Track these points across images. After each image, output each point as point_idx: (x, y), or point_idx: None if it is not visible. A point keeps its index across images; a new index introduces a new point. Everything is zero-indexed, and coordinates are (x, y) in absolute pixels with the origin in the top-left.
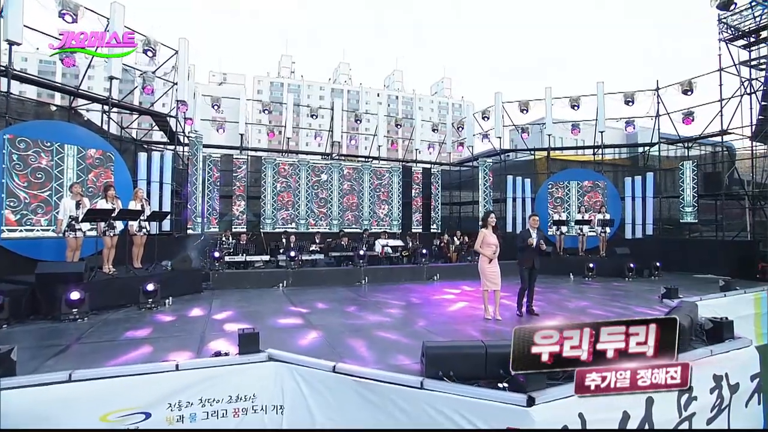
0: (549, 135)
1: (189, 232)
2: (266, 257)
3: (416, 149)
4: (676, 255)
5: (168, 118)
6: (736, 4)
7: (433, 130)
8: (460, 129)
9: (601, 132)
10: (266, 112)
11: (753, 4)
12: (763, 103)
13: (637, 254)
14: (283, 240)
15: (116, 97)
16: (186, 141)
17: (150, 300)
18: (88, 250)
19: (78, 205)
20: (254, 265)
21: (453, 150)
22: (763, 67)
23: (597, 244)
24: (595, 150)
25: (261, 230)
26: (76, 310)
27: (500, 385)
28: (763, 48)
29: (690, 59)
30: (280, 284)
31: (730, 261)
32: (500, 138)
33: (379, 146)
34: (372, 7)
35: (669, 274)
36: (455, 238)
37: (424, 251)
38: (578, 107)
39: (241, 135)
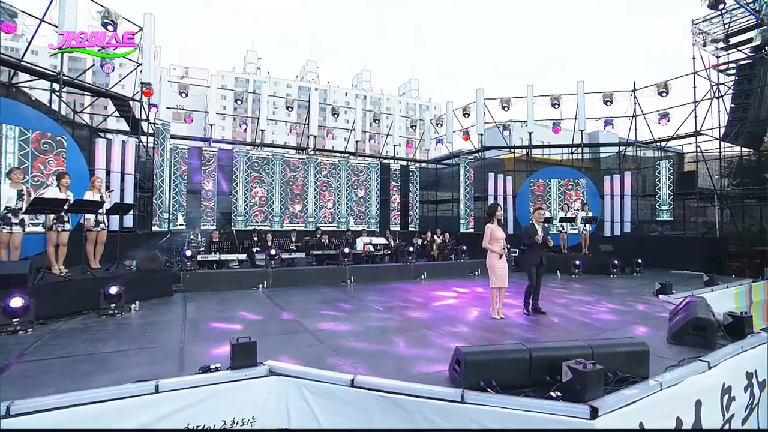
0: (530, 133)
1: (154, 229)
2: (242, 256)
3: (395, 145)
4: (653, 252)
5: (131, 103)
6: (725, 3)
7: (411, 127)
8: (439, 126)
9: (581, 130)
10: (238, 101)
11: (734, 6)
12: (732, 105)
13: (617, 251)
14: (255, 238)
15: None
16: (151, 130)
17: (112, 305)
18: (32, 248)
19: (20, 195)
20: (228, 265)
21: (431, 147)
22: (732, 72)
23: (579, 242)
24: (573, 149)
25: (233, 228)
26: (17, 320)
27: (552, 394)
28: (732, 54)
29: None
30: (260, 285)
31: (702, 258)
32: (482, 135)
33: (357, 141)
34: (341, 7)
35: (648, 270)
36: (436, 237)
37: (410, 249)
38: (559, 105)
39: (211, 126)
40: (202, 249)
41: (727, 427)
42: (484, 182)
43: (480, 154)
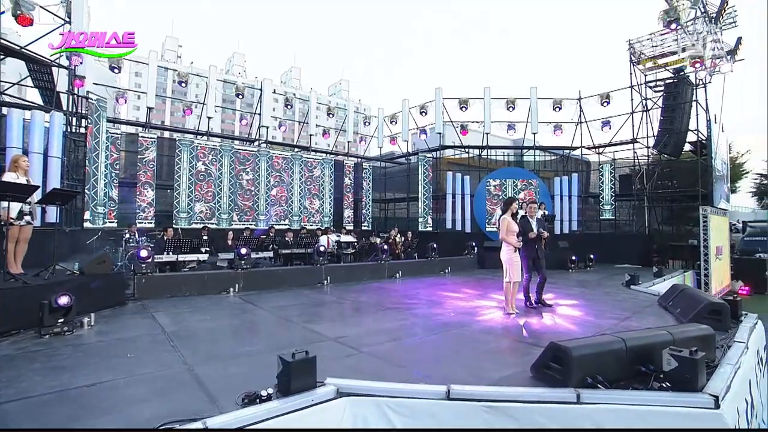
0: (487, 133)
1: (86, 225)
2: (204, 257)
3: (348, 141)
4: (597, 248)
5: (53, 69)
6: (678, 21)
7: (364, 123)
8: (393, 123)
9: (534, 133)
10: (182, 84)
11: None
12: (660, 118)
13: (569, 248)
14: (203, 237)
15: None
16: (84, 107)
17: (60, 320)
18: None
19: None
20: (186, 266)
21: (380, 145)
22: (660, 88)
23: None
24: (524, 150)
25: (174, 226)
26: None
27: (656, 384)
28: (660, 72)
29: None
30: (230, 288)
31: (637, 253)
32: (441, 134)
33: (311, 135)
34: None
35: (597, 265)
36: (399, 235)
37: (385, 247)
38: (514, 108)
39: (149, 109)
40: (150, 247)
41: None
42: (438, 182)
43: (439, 152)
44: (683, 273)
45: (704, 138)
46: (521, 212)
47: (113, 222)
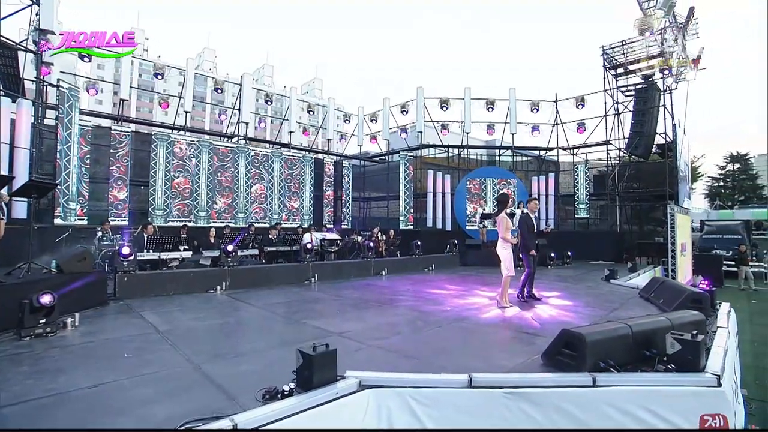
0: (467, 133)
1: (57, 222)
2: (187, 254)
3: (328, 139)
4: (573, 245)
5: (18, 52)
6: (652, 30)
7: (345, 121)
8: (374, 121)
9: (513, 134)
10: (158, 77)
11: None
12: (632, 122)
13: (547, 245)
14: (182, 235)
15: None
16: (56, 97)
17: (42, 321)
18: None
19: None
20: (168, 265)
21: (360, 143)
22: (631, 93)
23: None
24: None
25: (151, 223)
26: None
27: (660, 366)
28: (631, 77)
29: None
30: (217, 287)
31: (609, 250)
32: (421, 132)
33: (291, 132)
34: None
35: (573, 261)
36: (381, 233)
37: (371, 245)
38: (493, 109)
39: (122, 101)
40: (131, 247)
41: None
42: (418, 180)
43: (419, 151)
44: (654, 268)
45: (671, 140)
46: (517, 211)
47: (83, 219)
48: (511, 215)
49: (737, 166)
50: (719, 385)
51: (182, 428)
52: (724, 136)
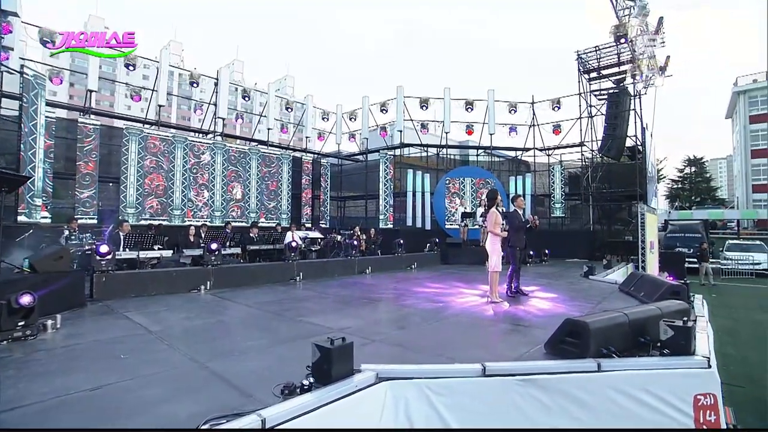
0: (446, 132)
1: (21, 219)
2: (168, 253)
3: (306, 137)
4: (547, 244)
5: None
6: (627, 37)
7: (323, 119)
8: (352, 120)
9: (491, 134)
10: (130, 67)
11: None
12: (605, 125)
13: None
14: (151, 234)
15: None
16: (19, 85)
17: (21, 323)
18: None
19: None
20: (147, 264)
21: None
22: (604, 97)
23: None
24: (481, 150)
25: (127, 221)
26: None
27: (655, 351)
28: (603, 82)
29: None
30: (201, 286)
31: (583, 248)
32: (401, 131)
33: (269, 129)
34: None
35: (550, 259)
36: (362, 232)
37: (354, 243)
38: (472, 109)
39: (90, 92)
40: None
41: None
42: (397, 179)
43: (400, 150)
44: (626, 265)
45: (640, 143)
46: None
47: (47, 217)
48: (504, 215)
49: (693, 169)
50: (709, 366)
51: (206, 427)
52: (684, 141)
